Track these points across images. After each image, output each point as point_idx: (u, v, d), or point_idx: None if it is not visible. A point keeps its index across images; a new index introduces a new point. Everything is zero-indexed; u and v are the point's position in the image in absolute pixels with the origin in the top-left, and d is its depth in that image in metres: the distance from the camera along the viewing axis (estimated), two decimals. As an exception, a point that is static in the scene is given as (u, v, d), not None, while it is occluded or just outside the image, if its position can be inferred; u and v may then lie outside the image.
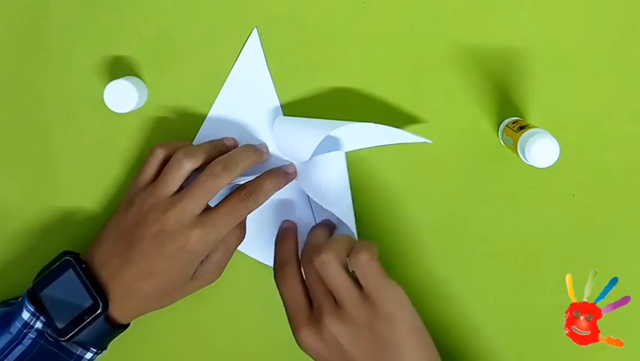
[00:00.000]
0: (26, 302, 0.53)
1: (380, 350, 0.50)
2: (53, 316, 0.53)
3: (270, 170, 0.57)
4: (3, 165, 0.60)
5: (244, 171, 0.55)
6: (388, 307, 0.50)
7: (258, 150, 0.58)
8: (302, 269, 0.55)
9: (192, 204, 0.52)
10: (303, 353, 0.56)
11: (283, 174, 0.57)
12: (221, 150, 0.57)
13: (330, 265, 0.50)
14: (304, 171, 0.58)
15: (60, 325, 0.52)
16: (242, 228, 0.57)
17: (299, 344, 0.52)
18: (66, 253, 0.55)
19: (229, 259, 0.56)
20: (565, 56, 0.59)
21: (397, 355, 0.50)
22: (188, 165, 0.54)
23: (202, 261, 0.54)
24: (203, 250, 0.53)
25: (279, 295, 0.55)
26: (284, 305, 0.54)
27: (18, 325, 0.53)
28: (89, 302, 0.52)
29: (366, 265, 0.50)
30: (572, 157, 0.59)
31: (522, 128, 0.54)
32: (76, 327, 0.52)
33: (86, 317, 0.52)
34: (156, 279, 0.53)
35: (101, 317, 0.52)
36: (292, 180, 0.58)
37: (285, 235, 0.58)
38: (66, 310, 0.53)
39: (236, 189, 0.55)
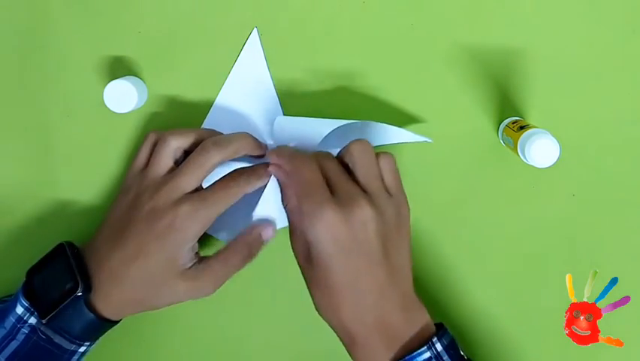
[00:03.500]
0: (20, 297, 0.53)
1: (392, 240, 0.51)
2: (40, 297, 0.52)
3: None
4: (3, 164, 0.60)
5: (237, 153, 0.54)
6: (404, 209, 0.52)
7: (255, 140, 0.56)
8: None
9: (184, 181, 0.52)
10: (304, 354, 0.56)
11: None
12: (213, 134, 0.56)
13: (370, 153, 0.52)
14: None
15: (43, 306, 0.52)
16: (250, 255, 0.55)
17: (315, 223, 0.49)
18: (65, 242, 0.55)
19: (226, 277, 0.54)
20: (565, 56, 0.59)
21: (403, 249, 0.52)
22: (173, 143, 0.54)
23: (198, 261, 0.53)
24: (192, 229, 0.51)
25: (278, 294, 0.55)
26: (298, 186, 0.51)
27: (12, 319, 0.52)
28: (70, 284, 0.52)
29: (394, 166, 0.53)
30: (572, 157, 0.59)
31: (522, 128, 0.54)
32: (56, 308, 0.51)
33: (66, 299, 0.51)
34: (142, 262, 0.51)
35: (81, 301, 0.51)
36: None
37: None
38: (51, 292, 0.52)
39: (230, 172, 0.55)
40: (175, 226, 0.51)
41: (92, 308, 0.52)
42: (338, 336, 0.51)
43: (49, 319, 0.52)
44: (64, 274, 0.52)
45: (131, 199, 0.54)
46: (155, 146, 0.56)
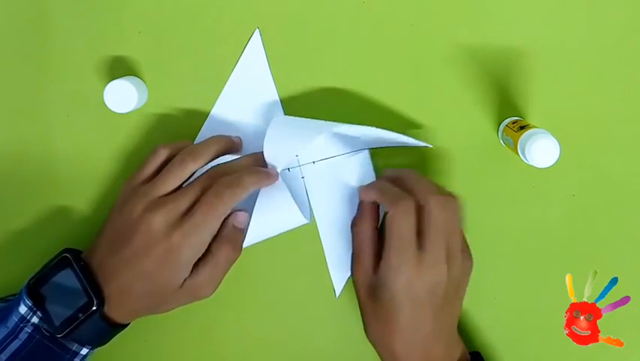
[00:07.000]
0: (24, 296, 0.53)
1: (455, 293, 0.54)
2: (51, 313, 0.52)
3: (252, 168, 0.56)
4: (3, 164, 0.60)
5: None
6: (469, 268, 0.55)
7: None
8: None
9: (182, 205, 0.52)
10: (304, 354, 0.56)
11: (265, 173, 0.56)
12: (226, 149, 0.57)
13: (460, 212, 0.54)
14: (332, 172, 0.59)
15: (57, 322, 0.52)
16: (235, 247, 0.55)
17: (398, 275, 0.52)
18: (67, 250, 0.54)
19: (221, 276, 0.55)
20: (565, 56, 0.59)
21: (460, 299, 0.55)
22: (192, 166, 0.54)
23: (192, 271, 0.53)
24: (189, 252, 0.52)
25: (278, 294, 0.54)
26: (391, 235, 0.52)
27: (15, 319, 0.52)
28: (84, 300, 0.52)
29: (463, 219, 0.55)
30: (572, 157, 0.59)
31: (522, 128, 0.54)
32: (72, 324, 0.52)
33: (81, 315, 0.52)
34: (146, 280, 0.52)
35: (96, 315, 0.52)
36: (273, 182, 0.56)
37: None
38: (62, 308, 0.52)
39: (214, 184, 0.53)
40: (171, 251, 0.52)
41: (102, 318, 0.53)
42: (381, 357, 0.55)
43: (65, 334, 0.52)
44: (76, 290, 0.52)
45: (129, 213, 0.53)
46: (163, 162, 0.55)
